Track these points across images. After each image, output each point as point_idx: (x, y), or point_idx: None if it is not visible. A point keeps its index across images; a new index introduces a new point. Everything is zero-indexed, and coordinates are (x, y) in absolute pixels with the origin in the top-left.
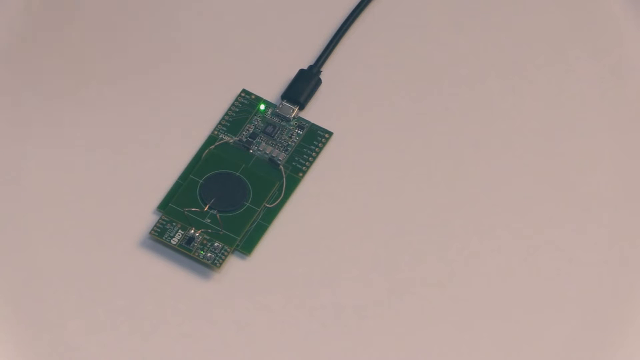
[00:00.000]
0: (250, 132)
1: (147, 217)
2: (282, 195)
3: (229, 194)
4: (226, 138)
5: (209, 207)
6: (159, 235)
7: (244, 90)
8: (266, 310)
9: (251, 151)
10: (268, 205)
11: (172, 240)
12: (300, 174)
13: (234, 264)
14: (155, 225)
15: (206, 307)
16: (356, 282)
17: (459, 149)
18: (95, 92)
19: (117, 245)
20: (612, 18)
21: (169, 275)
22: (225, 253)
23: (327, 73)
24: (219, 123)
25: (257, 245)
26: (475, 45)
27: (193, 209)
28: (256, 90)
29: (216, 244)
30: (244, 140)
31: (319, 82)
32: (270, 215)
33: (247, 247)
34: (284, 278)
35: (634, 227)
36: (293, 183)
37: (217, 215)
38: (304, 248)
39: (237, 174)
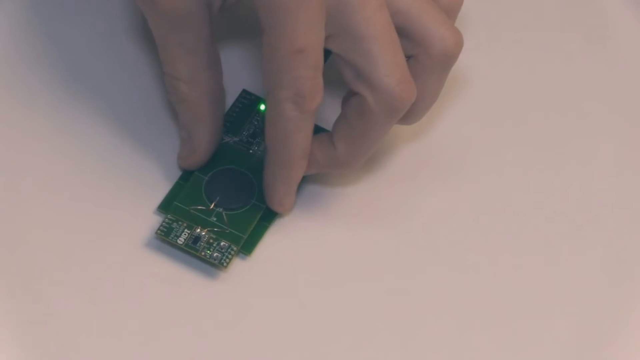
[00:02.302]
0: (251, 132)
1: (148, 218)
2: None
3: (234, 190)
4: (226, 138)
5: (214, 205)
6: (165, 235)
7: (244, 90)
8: (266, 311)
9: (251, 151)
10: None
11: (178, 240)
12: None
13: (234, 264)
14: (161, 225)
15: (206, 307)
16: (357, 282)
17: (458, 147)
18: (95, 92)
19: (117, 247)
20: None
21: (167, 276)
22: (232, 252)
23: (327, 73)
24: None
25: (257, 245)
26: (474, 43)
27: (199, 207)
28: (256, 90)
29: (222, 243)
30: (244, 140)
31: None
32: (270, 215)
33: (247, 247)
34: (284, 278)
35: (634, 226)
36: None
37: (223, 214)
38: (304, 248)
39: (243, 169)
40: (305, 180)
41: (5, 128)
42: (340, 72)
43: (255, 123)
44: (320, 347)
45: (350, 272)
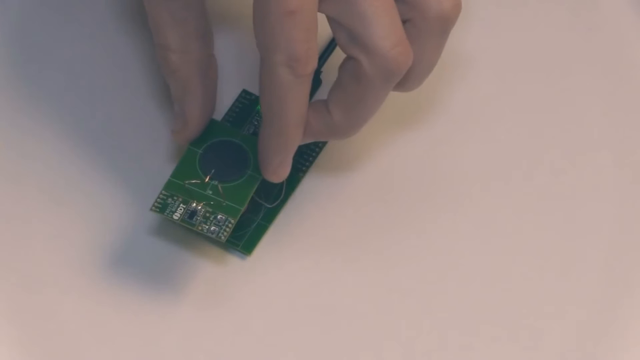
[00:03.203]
0: (251, 132)
1: (147, 218)
2: (282, 195)
3: (229, 162)
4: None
5: (209, 178)
6: (160, 211)
7: (244, 91)
8: (266, 311)
9: None
10: (268, 205)
11: (174, 216)
12: (301, 174)
13: (234, 264)
14: (156, 201)
15: (206, 307)
16: (357, 282)
17: (457, 148)
18: (95, 91)
19: (115, 247)
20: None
21: (166, 274)
22: (230, 225)
23: (327, 74)
24: None
25: (257, 245)
26: (474, 42)
27: (193, 181)
28: (256, 90)
29: (219, 217)
30: None
31: (319, 82)
32: (270, 215)
33: (247, 247)
34: (284, 278)
35: (634, 226)
36: (293, 183)
37: (219, 187)
38: (304, 248)
39: (237, 141)
40: (303, 182)
41: (5, 126)
42: (334, 36)
43: (255, 123)
44: (320, 347)
45: (349, 273)
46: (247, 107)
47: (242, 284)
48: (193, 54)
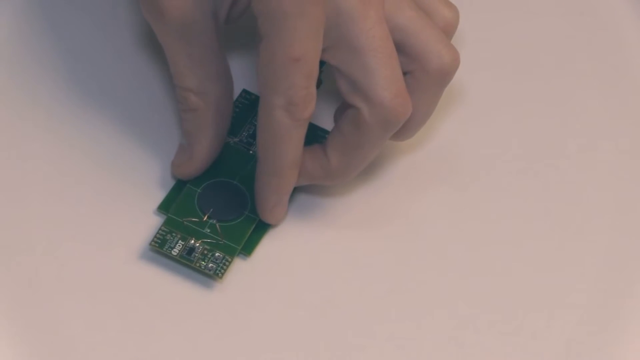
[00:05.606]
0: (251, 132)
1: (149, 218)
2: None
3: (227, 202)
4: (227, 138)
5: (207, 216)
6: (159, 247)
7: (244, 90)
8: (266, 310)
9: (251, 152)
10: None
11: (172, 251)
12: None
13: (234, 265)
14: (155, 237)
15: (205, 307)
16: (357, 282)
17: (452, 157)
18: (97, 92)
19: (117, 249)
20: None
21: (166, 278)
22: (227, 263)
23: (327, 73)
24: None
25: (257, 245)
26: (473, 48)
27: (192, 219)
28: (256, 90)
29: (217, 254)
30: (244, 140)
31: (319, 82)
32: None
33: (247, 247)
34: (284, 278)
35: (633, 230)
36: None
37: (217, 226)
38: (304, 248)
39: (235, 182)
40: (300, 190)
41: (6, 128)
42: (336, 84)
43: (255, 123)
44: (321, 346)
45: (349, 272)
46: (247, 107)
47: (242, 284)
48: (212, 95)
